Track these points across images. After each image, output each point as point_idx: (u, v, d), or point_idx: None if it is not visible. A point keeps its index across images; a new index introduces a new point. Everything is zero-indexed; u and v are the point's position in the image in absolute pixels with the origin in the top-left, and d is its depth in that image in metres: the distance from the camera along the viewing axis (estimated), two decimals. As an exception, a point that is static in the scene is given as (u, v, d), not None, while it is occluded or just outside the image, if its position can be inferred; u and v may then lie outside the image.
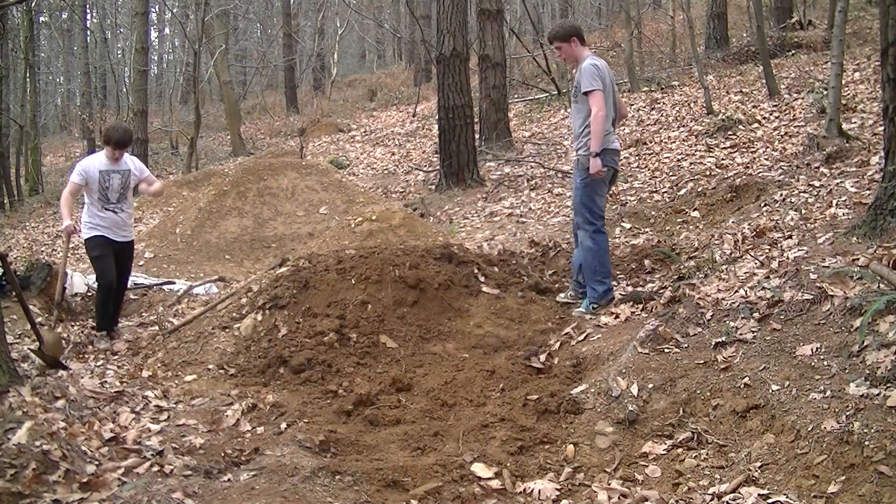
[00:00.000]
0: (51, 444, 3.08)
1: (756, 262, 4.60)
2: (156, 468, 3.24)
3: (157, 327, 5.64)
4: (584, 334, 4.56)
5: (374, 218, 6.65)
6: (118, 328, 5.73)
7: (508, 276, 5.51)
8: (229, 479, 3.20)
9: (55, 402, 3.61)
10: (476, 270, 5.40)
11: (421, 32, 18.40)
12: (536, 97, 16.06)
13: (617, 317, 4.69)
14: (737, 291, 4.20)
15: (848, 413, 2.91)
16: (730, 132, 9.31)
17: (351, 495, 3.11)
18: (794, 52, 12.94)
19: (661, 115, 11.55)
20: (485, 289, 5.24)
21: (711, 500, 2.90)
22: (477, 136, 11.46)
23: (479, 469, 3.27)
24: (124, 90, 20.73)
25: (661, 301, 4.51)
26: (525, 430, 3.58)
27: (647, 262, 5.82)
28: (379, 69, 31.12)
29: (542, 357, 4.37)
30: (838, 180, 6.09)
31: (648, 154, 9.74)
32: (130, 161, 5.70)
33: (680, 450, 3.26)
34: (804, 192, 6.17)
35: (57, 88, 33.28)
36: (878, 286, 3.50)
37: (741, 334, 3.71)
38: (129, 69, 23.36)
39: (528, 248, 6.53)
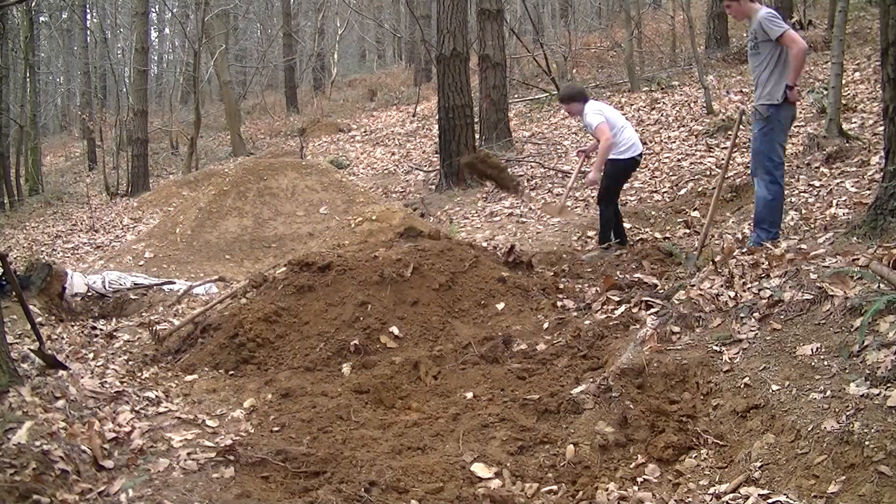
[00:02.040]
0: (51, 444, 3.08)
1: (756, 261, 4.60)
2: (156, 468, 3.24)
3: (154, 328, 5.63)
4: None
5: (374, 218, 6.66)
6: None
7: (510, 276, 5.50)
8: (233, 478, 3.20)
9: (55, 402, 3.61)
10: (477, 270, 5.40)
11: (421, 32, 18.39)
12: (536, 97, 16.06)
13: (617, 316, 4.68)
14: (737, 291, 4.20)
15: (848, 413, 2.91)
16: (730, 132, 9.30)
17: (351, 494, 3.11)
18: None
19: (662, 115, 11.54)
20: (487, 289, 5.23)
21: (711, 500, 2.90)
22: (477, 136, 11.46)
23: (479, 469, 3.27)
24: (124, 90, 20.71)
25: (662, 300, 4.51)
26: (525, 430, 3.58)
27: (645, 262, 5.82)
28: (379, 69, 31.11)
29: (543, 356, 4.37)
30: (838, 180, 6.10)
31: (648, 154, 9.74)
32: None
33: (680, 450, 3.26)
34: (804, 192, 6.18)
35: (57, 88, 33.28)
36: (878, 286, 3.50)
37: (741, 334, 3.71)
38: (129, 69, 23.35)
39: (529, 248, 6.53)
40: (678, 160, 8.99)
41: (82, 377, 4.29)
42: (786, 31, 4.85)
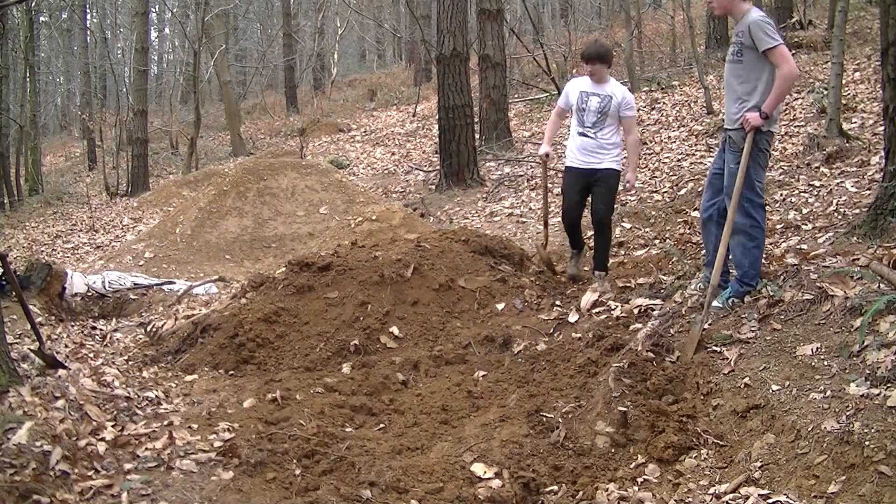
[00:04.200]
0: (51, 444, 3.08)
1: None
2: (159, 467, 3.24)
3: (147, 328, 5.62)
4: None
5: (374, 218, 6.66)
6: None
7: (511, 276, 5.50)
8: (233, 479, 3.20)
9: (55, 402, 3.60)
10: (478, 270, 5.39)
11: (421, 32, 18.39)
12: (536, 97, 16.05)
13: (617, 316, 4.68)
14: (737, 291, 4.19)
15: (848, 413, 2.91)
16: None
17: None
18: (794, 51, 12.91)
19: (662, 115, 11.54)
20: (485, 289, 5.23)
21: (711, 500, 2.90)
22: (477, 136, 11.46)
23: (479, 469, 3.27)
24: (124, 90, 20.70)
25: (662, 301, 4.51)
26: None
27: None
28: (379, 69, 31.11)
29: (543, 356, 4.37)
30: (838, 180, 6.09)
31: (648, 154, 9.73)
32: (618, 89, 5.16)
33: (680, 450, 3.26)
34: (804, 192, 6.17)
35: (57, 88, 33.25)
36: (878, 286, 3.50)
37: (741, 334, 3.71)
38: (129, 69, 23.36)
39: (529, 248, 6.52)
40: (678, 160, 8.99)
41: (82, 377, 4.28)
42: (778, 45, 3.90)
